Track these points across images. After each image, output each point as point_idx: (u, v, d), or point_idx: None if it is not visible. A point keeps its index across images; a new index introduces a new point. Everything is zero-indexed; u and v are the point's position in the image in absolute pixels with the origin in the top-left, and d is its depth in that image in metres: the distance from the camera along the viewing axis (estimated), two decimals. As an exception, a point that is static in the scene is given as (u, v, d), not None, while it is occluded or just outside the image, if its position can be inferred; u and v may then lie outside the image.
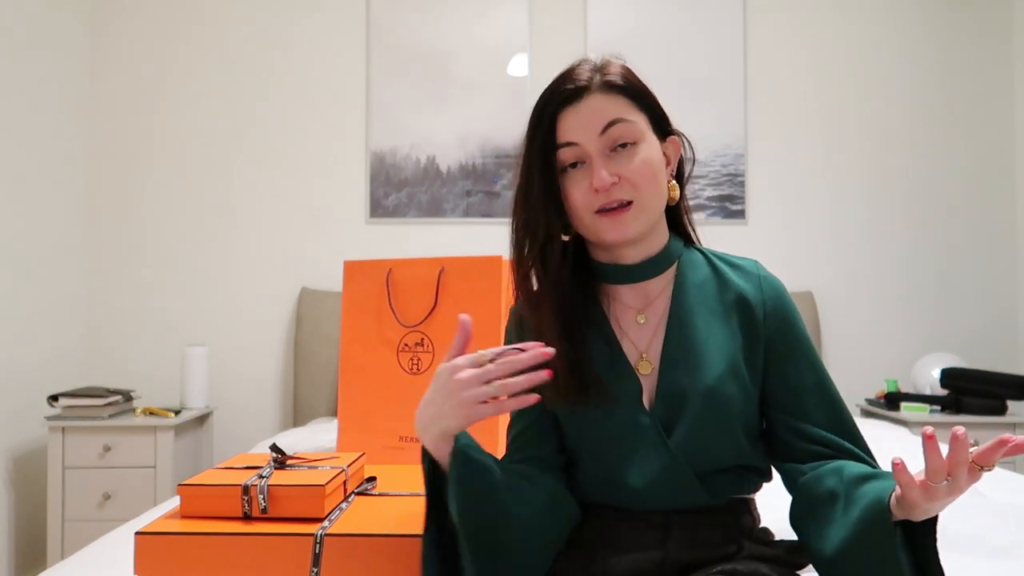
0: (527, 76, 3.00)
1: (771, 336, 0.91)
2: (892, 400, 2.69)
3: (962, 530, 1.22)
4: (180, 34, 3.00)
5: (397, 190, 3.00)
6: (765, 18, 3.03)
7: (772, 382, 0.91)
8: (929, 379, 2.71)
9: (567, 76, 0.90)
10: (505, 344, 0.99)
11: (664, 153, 0.93)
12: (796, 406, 0.90)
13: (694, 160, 0.99)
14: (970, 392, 2.58)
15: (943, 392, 2.64)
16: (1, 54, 2.47)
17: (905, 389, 2.84)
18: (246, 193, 2.99)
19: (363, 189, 3.00)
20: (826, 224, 3.03)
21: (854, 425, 0.91)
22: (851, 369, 2.98)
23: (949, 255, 3.02)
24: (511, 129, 2.99)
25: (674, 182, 0.95)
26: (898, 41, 3.04)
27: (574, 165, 0.89)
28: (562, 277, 0.91)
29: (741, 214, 3.00)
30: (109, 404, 2.49)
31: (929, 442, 0.67)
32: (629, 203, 0.87)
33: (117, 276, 2.96)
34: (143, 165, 2.99)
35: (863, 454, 0.88)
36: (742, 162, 2.99)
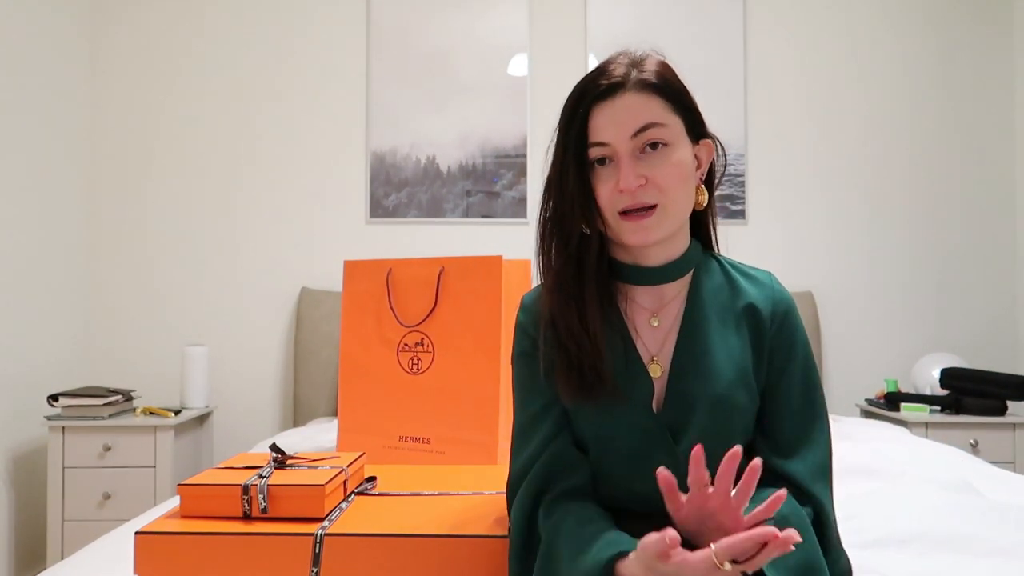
0: (527, 76, 3.00)
1: (772, 349, 0.92)
2: (892, 400, 2.68)
3: (962, 530, 1.22)
4: (180, 34, 3.00)
5: (397, 190, 3.00)
6: (765, 18, 3.03)
7: (763, 394, 0.92)
8: (929, 379, 2.71)
9: (603, 70, 0.88)
10: (518, 341, 0.98)
11: (696, 156, 0.91)
12: (771, 423, 0.90)
13: (726, 164, 0.97)
14: (970, 392, 2.57)
15: (943, 392, 2.64)
16: (1, 54, 2.47)
17: (905, 389, 2.84)
18: (246, 193, 2.99)
19: (363, 189, 3.00)
20: (826, 224, 3.02)
21: (822, 445, 0.90)
22: (851, 369, 2.97)
23: (949, 255, 3.02)
24: (511, 129, 2.99)
25: (703, 187, 0.93)
26: (898, 42, 3.04)
27: (602, 162, 0.88)
28: (600, 269, 0.91)
29: (741, 214, 3.00)
30: (109, 404, 2.48)
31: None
32: (653, 207, 0.86)
33: (117, 276, 2.96)
34: (143, 165, 2.99)
35: (802, 482, 0.86)
36: (742, 162, 2.99)
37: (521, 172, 2.97)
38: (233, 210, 2.99)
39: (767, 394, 0.91)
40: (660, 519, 0.89)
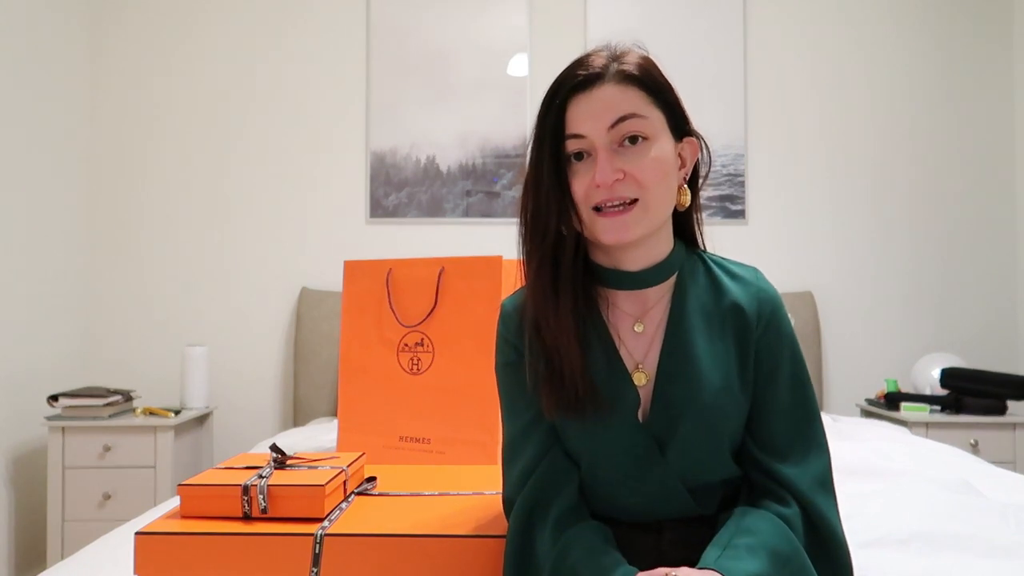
0: (527, 76, 3.00)
1: (760, 349, 0.88)
2: (892, 400, 2.68)
3: (962, 530, 1.22)
4: (180, 34, 3.00)
5: (397, 190, 3.00)
6: (765, 17, 3.03)
7: (752, 395, 0.89)
8: (929, 379, 2.71)
9: (581, 62, 0.84)
10: (500, 351, 0.94)
11: (679, 154, 0.87)
12: (761, 424, 0.88)
13: (710, 163, 0.93)
14: (970, 392, 2.57)
15: (943, 392, 2.64)
16: (1, 54, 2.47)
17: (905, 389, 2.84)
18: (246, 193, 2.99)
19: (363, 189, 3.00)
20: (826, 224, 3.03)
21: (821, 452, 0.88)
22: (851, 369, 2.97)
23: (949, 255, 3.02)
24: (511, 129, 2.99)
25: (686, 187, 0.89)
26: (899, 41, 3.04)
27: (580, 156, 0.84)
28: (576, 274, 0.86)
29: (741, 214, 3.00)
30: (109, 404, 2.48)
31: None
32: (633, 202, 0.82)
33: (117, 276, 2.96)
34: (143, 165, 2.99)
35: (802, 490, 0.84)
36: (742, 162, 2.99)
37: (521, 172, 2.96)
38: (233, 210, 2.99)
39: (757, 395, 0.88)
40: (649, 529, 0.89)
